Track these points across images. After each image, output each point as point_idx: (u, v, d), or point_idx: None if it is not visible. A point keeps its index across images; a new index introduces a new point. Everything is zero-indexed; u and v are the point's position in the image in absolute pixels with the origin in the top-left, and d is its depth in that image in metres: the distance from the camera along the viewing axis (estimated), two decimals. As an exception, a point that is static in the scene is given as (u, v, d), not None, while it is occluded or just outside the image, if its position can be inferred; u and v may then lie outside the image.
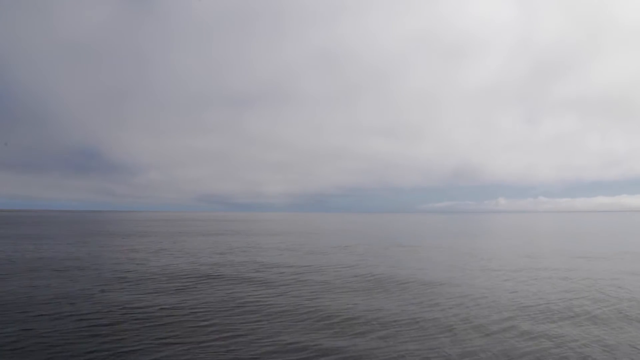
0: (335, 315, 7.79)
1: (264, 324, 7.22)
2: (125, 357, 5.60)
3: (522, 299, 9.18)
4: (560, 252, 19.35)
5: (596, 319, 7.61)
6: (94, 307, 8.33)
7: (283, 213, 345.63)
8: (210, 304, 8.67)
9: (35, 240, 25.35)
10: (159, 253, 18.48)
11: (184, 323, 7.25)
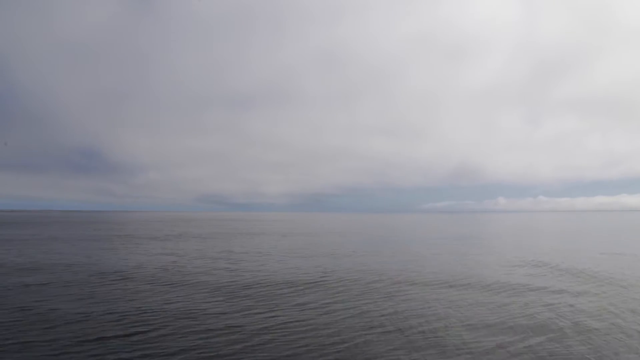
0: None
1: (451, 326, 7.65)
2: None
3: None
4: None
5: None
6: (246, 320, 8.71)
7: (284, 213, 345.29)
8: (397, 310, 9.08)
9: (80, 243, 25.65)
10: (232, 257, 18.81)
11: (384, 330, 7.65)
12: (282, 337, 6.73)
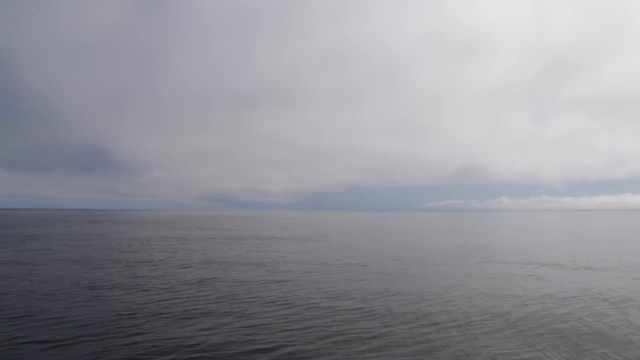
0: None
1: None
2: None
3: None
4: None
5: None
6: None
7: (289, 211, 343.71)
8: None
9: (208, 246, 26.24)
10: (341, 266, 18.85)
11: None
12: None
